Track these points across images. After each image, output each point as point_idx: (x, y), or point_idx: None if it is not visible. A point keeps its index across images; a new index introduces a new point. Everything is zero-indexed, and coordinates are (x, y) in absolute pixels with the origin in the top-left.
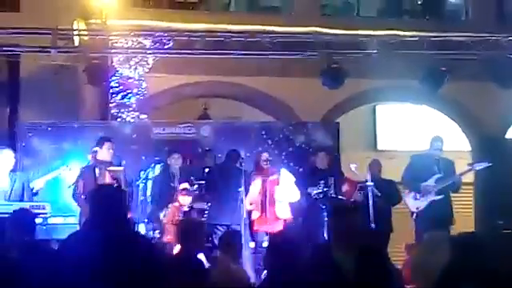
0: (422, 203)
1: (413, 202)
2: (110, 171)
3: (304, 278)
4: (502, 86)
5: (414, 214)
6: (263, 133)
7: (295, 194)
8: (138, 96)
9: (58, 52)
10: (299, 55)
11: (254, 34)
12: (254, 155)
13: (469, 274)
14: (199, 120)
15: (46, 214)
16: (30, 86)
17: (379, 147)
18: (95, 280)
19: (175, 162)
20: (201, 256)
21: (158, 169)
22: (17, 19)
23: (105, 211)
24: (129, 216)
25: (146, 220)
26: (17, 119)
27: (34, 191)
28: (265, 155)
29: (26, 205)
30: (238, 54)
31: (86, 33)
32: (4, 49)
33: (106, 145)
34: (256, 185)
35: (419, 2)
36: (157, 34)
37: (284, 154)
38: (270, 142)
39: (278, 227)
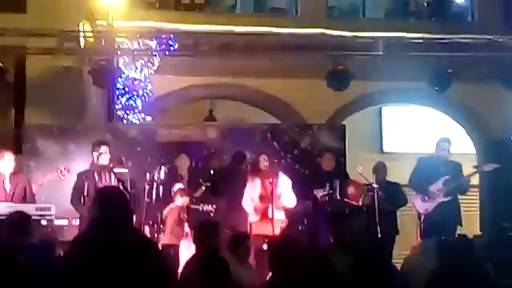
0: (431, 205)
1: (421, 204)
2: (115, 173)
3: (305, 280)
4: (508, 88)
5: (422, 216)
6: (269, 135)
7: (292, 200)
8: (143, 98)
9: (64, 54)
10: (305, 57)
11: (260, 35)
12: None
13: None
14: (205, 122)
15: (51, 215)
16: (36, 88)
17: (385, 149)
18: (100, 283)
19: (183, 163)
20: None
21: (163, 171)
22: (23, 21)
23: (109, 213)
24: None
25: (151, 222)
26: (22, 120)
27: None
28: (264, 157)
29: (31, 207)
30: (244, 56)
31: (91, 34)
32: (11, 50)
33: (103, 148)
34: (255, 187)
35: (425, 4)
36: (163, 35)
37: (289, 156)
38: (275, 144)
39: (276, 230)
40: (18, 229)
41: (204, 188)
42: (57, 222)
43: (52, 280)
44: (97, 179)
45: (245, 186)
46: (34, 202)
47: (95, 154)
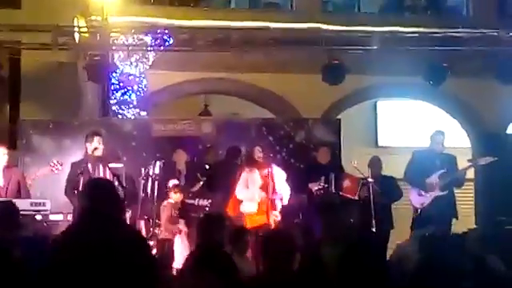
0: (427, 199)
1: (417, 198)
2: (110, 168)
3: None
4: (502, 82)
5: (419, 210)
6: (264, 129)
7: (286, 192)
8: (138, 93)
9: (59, 49)
10: (300, 51)
11: (255, 30)
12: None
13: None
14: (200, 116)
15: (46, 210)
16: (31, 83)
17: (380, 143)
18: (87, 277)
19: (181, 158)
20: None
21: (158, 166)
22: (18, 16)
23: (98, 206)
24: (128, 211)
25: (146, 217)
26: (17, 116)
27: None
28: (258, 148)
29: (26, 202)
30: (239, 51)
31: (86, 30)
32: (5, 46)
33: (96, 139)
34: (255, 178)
35: None
36: (157, 30)
37: (285, 150)
38: (270, 138)
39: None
40: (7, 221)
41: (202, 183)
42: (52, 217)
43: (38, 272)
44: (91, 170)
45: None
46: (28, 196)
47: (88, 145)
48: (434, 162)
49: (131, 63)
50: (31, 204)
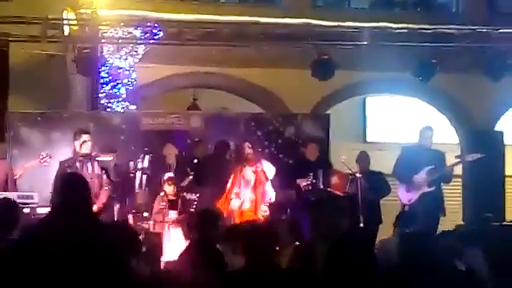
0: (414, 195)
1: (405, 195)
2: (98, 161)
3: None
4: (491, 79)
5: (406, 207)
6: (253, 124)
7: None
8: (127, 86)
9: (48, 41)
10: (290, 47)
11: (245, 24)
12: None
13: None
14: (189, 111)
15: (34, 203)
16: (20, 76)
17: (368, 139)
18: (55, 272)
19: (171, 152)
20: None
21: (147, 159)
22: (7, 8)
23: (67, 200)
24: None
25: (134, 211)
26: (6, 108)
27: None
28: (248, 144)
29: (14, 194)
30: (228, 45)
31: (75, 22)
32: None
33: (84, 137)
34: (248, 173)
35: None
36: (147, 24)
37: (273, 145)
38: (259, 133)
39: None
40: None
41: (191, 177)
42: (39, 210)
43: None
44: (79, 168)
45: (229, 174)
46: (15, 189)
47: (77, 143)
48: (423, 158)
49: (120, 56)
50: (19, 197)
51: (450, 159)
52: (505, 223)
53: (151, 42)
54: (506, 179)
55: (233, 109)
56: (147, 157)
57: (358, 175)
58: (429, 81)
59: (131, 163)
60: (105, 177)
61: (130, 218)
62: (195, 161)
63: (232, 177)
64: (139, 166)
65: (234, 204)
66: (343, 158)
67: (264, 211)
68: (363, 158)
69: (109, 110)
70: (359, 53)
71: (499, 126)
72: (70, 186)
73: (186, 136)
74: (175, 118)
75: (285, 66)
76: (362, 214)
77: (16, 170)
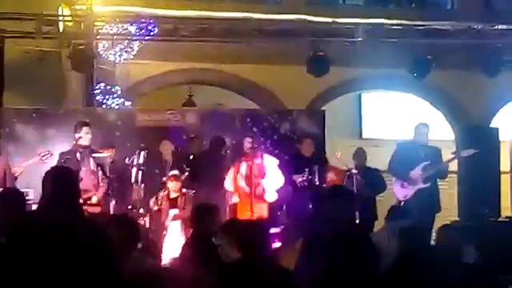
0: (410, 191)
1: (400, 190)
2: (94, 158)
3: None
4: (487, 75)
5: (402, 203)
6: (248, 120)
7: (279, 179)
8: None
9: (43, 38)
10: (285, 43)
11: (239, 21)
12: (240, 143)
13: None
14: (184, 107)
15: (29, 200)
16: (14, 72)
17: (364, 135)
18: (40, 268)
19: (167, 148)
20: None
21: (142, 156)
22: (2, 4)
23: (53, 194)
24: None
25: (129, 207)
26: (1, 105)
27: (14, 177)
28: (248, 139)
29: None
30: (223, 41)
31: (70, 18)
32: None
33: (84, 129)
34: (241, 168)
35: None
36: (142, 20)
37: (269, 141)
38: (255, 129)
39: (262, 212)
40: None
41: (187, 173)
42: (35, 207)
43: None
44: (79, 159)
45: (224, 170)
46: (13, 185)
47: (77, 135)
48: (419, 154)
49: (115, 53)
50: None
51: (446, 155)
52: (500, 219)
53: (146, 38)
54: (502, 175)
55: (228, 105)
56: (143, 153)
57: (353, 171)
58: (424, 77)
59: (127, 159)
60: (100, 173)
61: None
62: (191, 157)
63: (231, 171)
64: (135, 162)
65: (231, 198)
66: (338, 155)
67: (261, 208)
68: (359, 155)
69: (104, 106)
70: (354, 49)
71: (495, 123)
72: (60, 180)
73: (181, 132)
74: (171, 114)
75: (280, 62)
76: (358, 210)
77: (16, 167)
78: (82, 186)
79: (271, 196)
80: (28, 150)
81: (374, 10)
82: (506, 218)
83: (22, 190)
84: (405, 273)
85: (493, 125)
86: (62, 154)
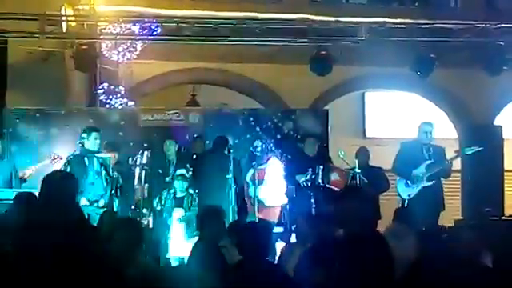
0: (414, 190)
1: (404, 189)
2: (97, 158)
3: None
4: (490, 74)
5: (406, 202)
6: (251, 120)
7: (281, 186)
8: None
9: (46, 38)
10: (288, 42)
11: (243, 20)
12: (243, 143)
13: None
14: (187, 107)
15: None
16: (18, 72)
17: (368, 134)
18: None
19: (171, 148)
20: None
21: (146, 156)
22: (4, 4)
23: (51, 196)
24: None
25: (132, 207)
26: (4, 105)
27: (23, 179)
28: (258, 142)
29: (11, 192)
30: (227, 41)
31: (73, 18)
32: None
33: (93, 135)
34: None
35: None
36: (145, 20)
37: (272, 141)
38: (258, 129)
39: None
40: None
41: (191, 173)
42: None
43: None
44: (86, 164)
45: (228, 171)
46: (20, 187)
47: (85, 140)
48: (422, 153)
49: (119, 53)
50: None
51: (450, 154)
52: (504, 218)
53: (149, 38)
54: (505, 174)
55: (232, 104)
56: (146, 152)
57: (357, 170)
58: (427, 76)
59: (130, 159)
60: (104, 173)
61: (129, 214)
62: (194, 156)
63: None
64: (138, 162)
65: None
66: (341, 154)
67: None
68: (363, 154)
69: (107, 106)
70: (357, 48)
71: (498, 121)
72: (58, 183)
73: (185, 132)
74: (174, 114)
75: (283, 61)
76: None
77: (26, 170)
78: (92, 189)
79: (280, 200)
80: (31, 150)
81: (377, 9)
82: (510, 216)
83: (24, 191)
84: (425, 277)
85: (496, 123)
86: (69, 158)
